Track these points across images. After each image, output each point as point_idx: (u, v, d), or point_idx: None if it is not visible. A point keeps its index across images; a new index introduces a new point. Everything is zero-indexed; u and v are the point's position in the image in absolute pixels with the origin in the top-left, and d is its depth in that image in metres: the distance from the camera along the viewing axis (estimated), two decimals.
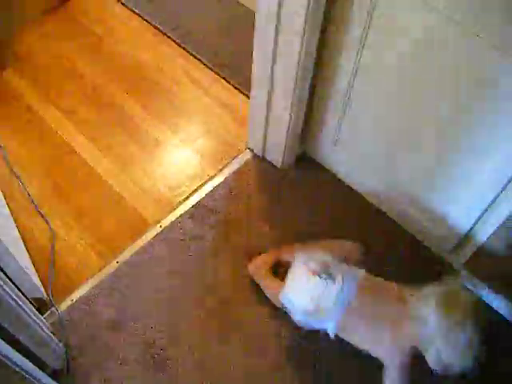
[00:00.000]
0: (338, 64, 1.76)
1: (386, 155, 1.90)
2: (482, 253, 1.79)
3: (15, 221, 2.04)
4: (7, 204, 2.07)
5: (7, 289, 1.36)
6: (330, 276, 1.54)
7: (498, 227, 1.66)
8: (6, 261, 1.58)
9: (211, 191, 2.14)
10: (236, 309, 1.87)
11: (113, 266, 1.95)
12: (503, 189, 1.57)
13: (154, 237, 2.01)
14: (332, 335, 1.57)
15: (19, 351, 1.38)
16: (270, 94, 1.90)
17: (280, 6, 1.58)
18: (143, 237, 2.02)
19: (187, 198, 2.13)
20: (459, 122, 1.56)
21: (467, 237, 1.82)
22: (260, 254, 1.93)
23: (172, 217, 2.07)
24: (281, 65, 1.77)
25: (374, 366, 1.55)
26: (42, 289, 1.85)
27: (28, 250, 1.97)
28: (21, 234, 2.01)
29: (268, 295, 1.83)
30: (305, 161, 2.21)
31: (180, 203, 2.11)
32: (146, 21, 2.70)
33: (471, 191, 1.68)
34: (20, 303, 1.42)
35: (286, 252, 1.82)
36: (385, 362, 1.52)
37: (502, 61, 1.35)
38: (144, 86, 2.47)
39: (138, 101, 2.41)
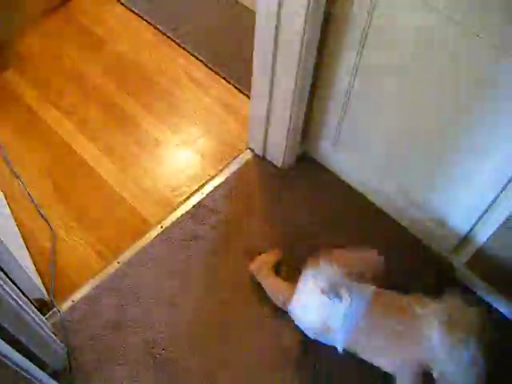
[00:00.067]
0: (339, 64, 1.76)
1: (386, 155, 1.90)
2: (482, 252, 1.79)
3: (16, 221, 2.04)
4: (8, 204, 2.08)
5: (8, 289, 1.36)
6: (338, 295, 1.53)
7: (498, 227, 1.65)
8: (6, 261, 1.59)
9: (212, 191, 2.14)
10: (236, 308, 1.87)
11: (114, 266, 1.95)
12: (503, 189, 1.57)
13: (155, 237, 2.02)
14: (340, 350, 1.58)
15: (20, 351, 1.38)
16: (270, 94, 1.90)
17: (280, 5, 1.58)
18: (144, 237, 2.02)
19: (188, 198, 2.13)
20: (459, 121, 1.56)
21: (468, 237, 1.82)
22: (260, 253, 1.93)
23: (173, 217, 2.07)
24: (281, 65, 1.77)
25: (373, 366, 1.56)
26: (43, 289, 1.86)
27: (29, 251, 1.97)
28: (21, 234, 2.01)
29: (269, 294, 1.84)
30: (305, 161, 2.21)
31: (181, 203, 2.11)
32: (146, 21, 2.70)
33: (471, 191, 1.68)
34: (21, 303, 1.43)
35: (322, 257, 1.76)
36: (396, 376, 1.52)
37: (502, 61, 1.34)
38: (144, 86, 2.47)
39: (138, 101, 2.42)
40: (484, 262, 1.80)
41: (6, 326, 1.38)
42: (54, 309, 1.85)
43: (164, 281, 1.92)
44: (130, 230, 2.05)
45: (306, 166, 2.20)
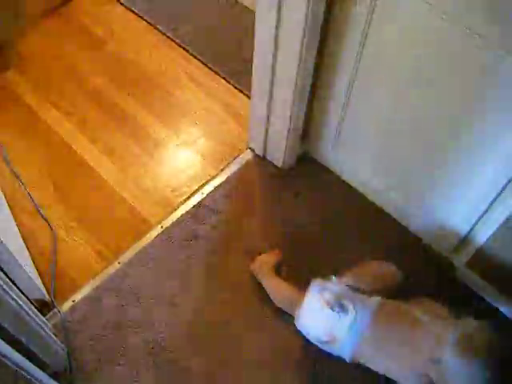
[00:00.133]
0: (339, 64, 1.76)
1: (386, 155, 1.90)
2: (482, 252, 1.79)
3: (16, 221, 2.04)
4: (8, 204, 2.07)
5: (8, 289, 1.36)
6: (343, 308, 1.54)
7: (498, 227, 1.65)
8: (7, 261, 1.59)
9: (212, 191, 2.14)
10: (236, 308, 1.87)
11: (114, 266, 1.95)
12: (503, 189, 1.56)
13: (155, 237, 2.02)
14: (348, 360, 1.58)
15: (20, 352, 1.39)
16: (270, 94, 1.90)
17: (280, 6, 1.58)
18: (144, 237, 2.02)
19: (188, 198, 2.13)
20: (459, 122, 1.56)
21: (468, 236, 1.82)
22: (260, 253, 1.93)
23: (173, 217, 2.07)
24: (281, 65, 1.77)
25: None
26: (44, 290, 1.86)
27: (29, 251, 1.97)
28: (22, 234, 2.01)
29: (270, 295, 1.84)
30: (306, 161, 2.21)
31: (181, 203, 2.11)
32: (146, 21, 2.70)
33: (471, 191, 1.68)
34: (21, 304, 1.43)
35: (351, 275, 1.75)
36: None
37: (502, 61, 1.34)
38: (144, 87, 2.47)
39: (138, 101, 2.42)
40: (484, 262, 1.80)
41: (6, 326, 1.38)
42: (55, 309, 1.85)
43: (164, 281, 1.92)
44: (131, 230, 2.05)
45: (307, 165, 2.20)
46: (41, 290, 1.82)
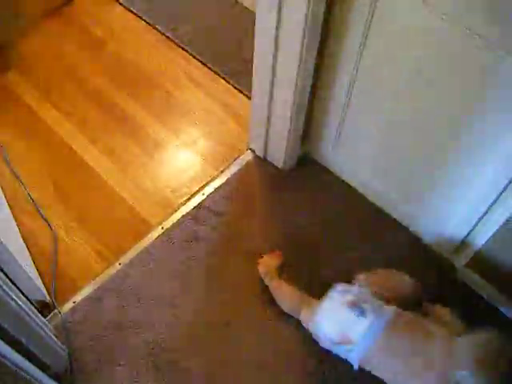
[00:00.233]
0: (339, 65, 1.76)
1: (386, 156, 1.90)
2: (483, 253, 1.79)
3: (16, 222, 2.04)
4: (8, 205, 2.07)
5: (9, 290, 1.36)
6: (362, 311, 1.54)
7: (498, 228, 1.65)
8: (7, 262, 1.58)
9: (213, 192, 2.14)
10: (237, 310, 1.87)
11: (115, 267, 1.95)
12: (503, 190, 1.57)
13: (156, 238, 2.01)
14: (355, 367, 1.57)
15: (21, 353, 1.39)
16: (270, 94, 1.90)
17: (280, 6, 1.58)
18: (145, 238, 2.02)
19: (189, 199, 2.13)
20: (459, 122, 1.56)
21: (468, 237, 1.82)
22: (262, 255, 1.93)
23: (173, 218, 2.07)
24: (281, 65, 1.77)
25: None
26: (44, 290, 1.86)
27: (30, 252, 1.97)
28: (22, 235, 2.01)
29: (276, 298, 1.84)
30: (307, 161, 2.21)
31: (182, 204, 2.11)
32: (146, 21, 2.70)
33: (471, 192, 1.68)
34: (22, 305, 1.42)
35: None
36: None
37: (502, 61, 1.34)
38: (145, 87, 2.47)
39: (137, 101, 2.41)
40: (485, 263, 1.80)
41: (6, 326, 1.37)
42: (55, 310, 1.85)
43: (165, 282, 1.92)
44: (131, 230, 2.05)
45: (307, 166, 2.20)
46: (41, 291, 1.82)
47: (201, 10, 2.76)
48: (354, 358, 1.55)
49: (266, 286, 1.88)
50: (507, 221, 1.61)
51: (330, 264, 1.96)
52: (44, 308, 1.83)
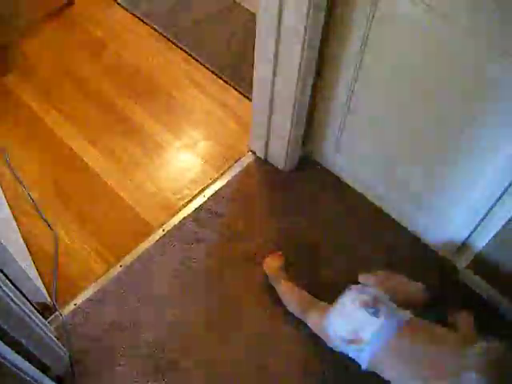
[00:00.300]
0: (340, 64, 1.75)
1: (386, 157, 1.89)
2: (484, 254, 1.79)
3: (17, 224, 2.05)
4: (9, 207, 2.08)
5: (10, 292, 1.36)
6: (376, 311, 1.54)
7: (500, 229, 1.65)
8: (8, 264, 1.59)
9: (214, 194, 2.14)
10: (238, 311, 1.87)
11: (116, 269, 1.95)
12: (504, 191, 1.56)
13: (157, 240, 2.02)
14: (364, 367, 1.56)
15: (22, 355, 1.39)
16: (271, 96, 1.90)
17: (281, 9, 1.58)
18: (146, 240, 2.02)
19: (190, 201, 2.13)
20: (460, 123, 1.56)
21: (469, 238, 1.82)
22: (264, 257, 1.93)
23: (175, 220, 2.07)
24: (282, 67, 1.77)
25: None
26: (45, 292, 1.86)
27: (31, 254, 1.97)
28: (23, 237, 2.01)
29: (282, 300, 1.83)
30: (308, 163, 2.21)
31: (183, 206, 2.11)
32: (147, 24, 2.71)
33: (472, 193, 1.68)
34: (23, 307, 1.43)
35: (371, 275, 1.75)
36: None
37: (502, 61, 1.34)
38: (145, 89, 2.48)
39: (139, 104, 2.42)
40: (486, 264, 1.80)
41: (7, 329, 1.37)
42: (56, 312, 1.85)
43: (165, 283, 1.92)
44: (132, 232, 2.05)
45: (308, 167, 2.20)
46: (42, 293, 1.82)
47: (202, 13, 2.77)
48: (365, 358, 1.54)
49: (267, 287, 1.88)
50: (508, 222, 1.61)
51: (330, 264, 1.96)
52: (45, 310, 1.83)
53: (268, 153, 2.18)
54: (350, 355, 1.58)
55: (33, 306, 1.58)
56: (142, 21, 2.72)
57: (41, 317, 1.59)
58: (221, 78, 2.50)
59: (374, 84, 1.72)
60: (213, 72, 2.52)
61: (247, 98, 2.38)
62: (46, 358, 1.61)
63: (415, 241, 2.02)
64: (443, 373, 1.43)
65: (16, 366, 1.33)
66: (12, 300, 1.37)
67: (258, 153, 2.22)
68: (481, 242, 1.77)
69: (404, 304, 1.59)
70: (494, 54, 1.34)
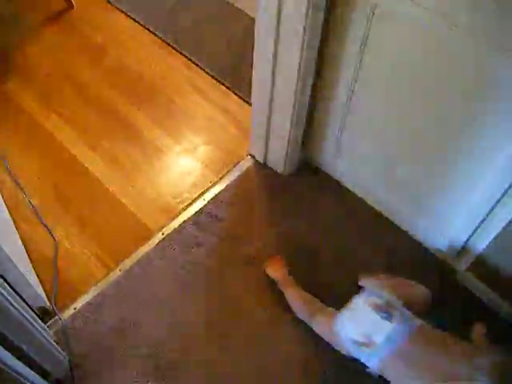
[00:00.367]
0: (340, 65, 1.75)
1: (385, 158, 1.89)
2: (484, 257, 1.79)
3: (17, 229, 2.05)
4: (9, 212, 2.08)
5: (9, 297, 1.36)
6: (388, 315, 1.54)
7: (498, 233, 1.65)
8: (8, 269, 1.59)
9: (213, 198, 2.14)
10: (238, 314, 1.87)
11: (115, 273, 1.95)
12: (504, 194, 1.56)
13: (157, 244, 2.02)
14: (373, 371, 1.56)
15: (21, 360, 1.39)
16: (271, 96, 1.90)
17: (280, 9, 1.59)
18: (146, 244, 2.02)
19: (190, 204, 2.13)
20: (460, 123, 1.56)
21: (469, 242, 1.81)
22: (265, 262, 1.93)
23: (175, 224, 2.07)
24: (281, 72, 1.78)
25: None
26: (45, 297, 1.86)
27: (31, 259, 1.97)
28: (23, 241, 2.02)
29: (292, 306, 1.83)
30: (307, 167, 2.21)
31: (183, 210, 2.12)
32: (148, 30, 2.72)
33: (472, 195, 1.68)
34: (22, 312, 1.43)
35: (373, 278, 1.77)
36: None
37: (500, 57, 1.34)
38: (145, 93, 2.48)
39: (140, 109, 2.42)
40: (486, 267, 1.80)
41: (7, 333, 1.37)
42: (56, 317, 1.85)
43: (166, 288, 1.92)
44: (132, 237, 2.05)
45: (307, 171, 2.21)
46: (42, 297, 1.82)
47: (203, 18, 2.78)
48: (374, 361, 1.54)
49: (266, 287, 1.89)
50: (508, 225, 1.61)
51: (329, 268, 1.96)
52: (44, 314, 1.83)
53: (267, 156, 2.18)
54: (359, 359, 1.58)
55: (32, 310, 1.58)
56: (143, 26, 2.73)
57: (40, 321, 1.59)
58: (222, 83, 2.50)
59: (373, 84, 1.72)
60: (214, 77, 2.53)
61: (247, 102, 2.38)
62: (46, 362, 1.61)
63: (415, 244, 2.02)
64: (453, 382, 1.42)
65: (16, 371, 1.34)
66: (12, 305, 1.37)
67: (258, 157, 2.22)
68: (481, 245, 1.77)
69: (408, 308, 1.59)
70: (493, 51, 1.34)
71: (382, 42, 1.59)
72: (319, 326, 1.74)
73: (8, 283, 1.45)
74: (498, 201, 1.60)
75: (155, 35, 2.69)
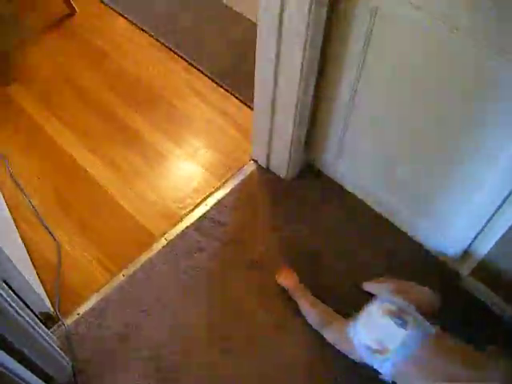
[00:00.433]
0: (342, 67, 1.76)
1: (386, 158, 1.89)
2: (487, 261, 1.78)
3: (20, 234, 2.05)
4: (12, 217, 2.08)
5: (13, 303, 1.36)
6: (403, 322, 1.53)
7: (501, 236, 1.65)
8: (11, 274, 1.59)
9: (216, 203, 2.14)
10: (240, 320, 1.87)
11: (118, 278, 1.95)
12: (506, 198, 1.56)
13: (159, 250, 2.02)
14: (386, 377, 1.55)
15: (25, 365, 1.39)
16: (273, 97, 1.90)
17: (283, 8, 1.59)
18: (148, 250, 2.02)
19: (192, 210, 2.13)
20: (459, 123, 1.56)
21: (472, 246, 1.81)
22: (277, 273, 1.93)
23: (177, 229, 2.07)
24: (284, 72, 1.78)
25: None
26: (48, 302, 1.86)
27: (33, 264, 1.98)
28: (26, 246, 2.02)
29: (306, 316, 1.83)
30: (310, 171, 2.21)
31: (185, 215, 2.12)
32: (148, 34, 2.73)
33: (475, 198, 1.67)
34: (26, 317, 1.43)
35: (378, 282, 1.76)
36: None
37: (500, 58, 1.34)
38: (145, 97, 2.49)
39: (140, 113, 2.43)
40: (489, 270, 1.79)
41: (10, 339, 1.38)
42: (59, 322, 1.85)
43: (168, 293, 1.92)
44: (135, 242, 2.05)
45: (311, 175, 2.21)
46: (45, 303, 1.82)
47: (203, 22, 2.79)
48: (388, 368, 1.52)
49: (269, 290, 1.90)
50: (510, 229, 1.61)
51: (331, 271, 1.96)
52: (48, 320, 1.83)
53: (270, 160, 2.18)
54: (373, 365, 1.57)
55: (36, 315, 1.59)
56: (143, 30, 2.74)
57: (44, 327, 1.59)
58: (221, 86, 2.51)
59: (375, 83, 1.72)
60: (213, 80, 2.53)
61: (249, 106, 2.39)
62: (49, 368, 1.61)
63: (415, 246, 2.02)
64: None
65: (19, 377, 1.34)
66: (16, 311, 1.37)
67: (260, 161, 2.23)
68: (484, 248, 1.76)
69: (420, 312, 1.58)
70: (493, 54, 1.34)
71: (384, 42, 1.59)
72: (331, 333, 1.73)
73: (10, 287, 1.45)
74: (502, 202, 1.60)
75: (156, 40, 2.70)
